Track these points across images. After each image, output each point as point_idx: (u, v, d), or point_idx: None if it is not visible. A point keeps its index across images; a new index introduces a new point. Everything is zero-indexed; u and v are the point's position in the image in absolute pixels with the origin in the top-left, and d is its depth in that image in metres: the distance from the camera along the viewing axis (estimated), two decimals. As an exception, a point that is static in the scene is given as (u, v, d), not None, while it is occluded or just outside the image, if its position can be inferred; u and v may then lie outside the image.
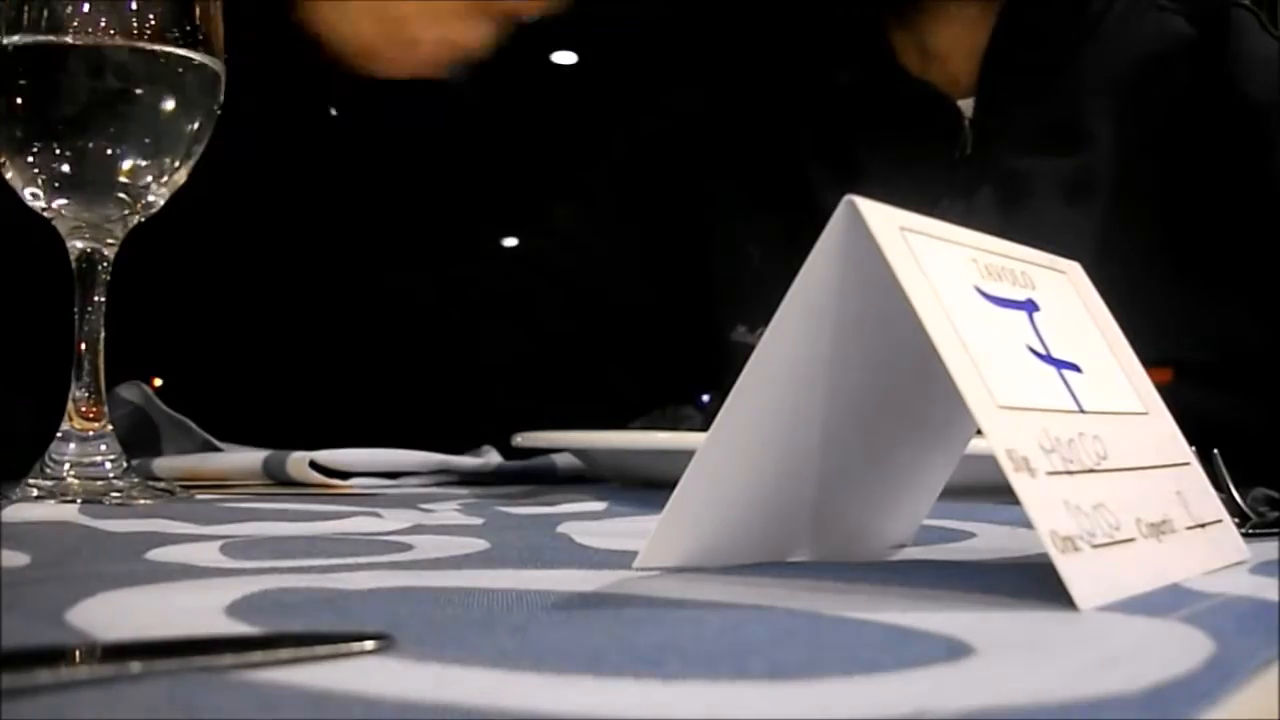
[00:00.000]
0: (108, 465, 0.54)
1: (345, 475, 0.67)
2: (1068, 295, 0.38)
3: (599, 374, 0.96)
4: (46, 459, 0.53)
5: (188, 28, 0.54)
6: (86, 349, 0.54)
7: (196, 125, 0.56)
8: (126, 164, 0.54)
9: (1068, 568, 0.27)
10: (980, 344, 0.30)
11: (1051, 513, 0.28)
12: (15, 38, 0.52)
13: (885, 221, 0.30)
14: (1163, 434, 0.37)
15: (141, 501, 0.53)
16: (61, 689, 0.19)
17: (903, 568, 0.36)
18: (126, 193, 0.55)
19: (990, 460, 0.28)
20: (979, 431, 0.29)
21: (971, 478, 0.40)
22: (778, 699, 0.20)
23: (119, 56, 0.53)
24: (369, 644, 0.22)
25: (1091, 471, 0.31)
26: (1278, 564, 0.35)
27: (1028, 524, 0.28)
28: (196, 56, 0.55)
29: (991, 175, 0.87)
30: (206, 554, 0.36)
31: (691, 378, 0.95)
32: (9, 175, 0.54)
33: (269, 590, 0.29)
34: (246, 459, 0.68)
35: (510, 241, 1.00)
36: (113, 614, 0.26)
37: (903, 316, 0.29)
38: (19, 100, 0.53)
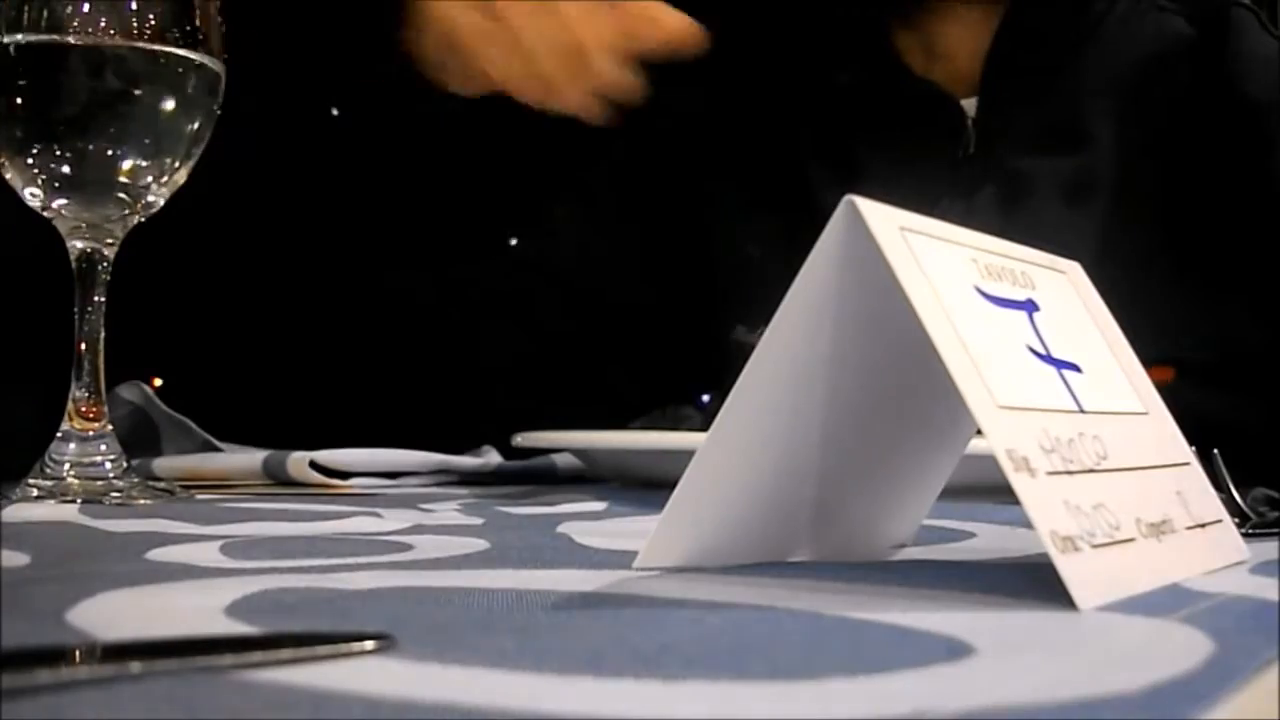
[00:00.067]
0: (108, 465, 0.54)
1: (345, 475, 0.67)
2: (1068, 295, 0.38)
3: (599, 374, 0.96)
4: (46, 459, 0.53)
5: (188, 28, 0.54)
6: (86, 349, 0.54)
7: (196, 125, 0.56)
8: (126, 164, 0.54)
9: (1068, 568, 0.27)
10: (980, 344, 0.30)
11: (1051, 513, 0.28)
12: (15, 37, 0.52)
13: (885, 221, 0.30)
14: (1163, 434, 0.37)
15: (141, 501, 0.53)
16: (61, 689, 0.19)
17: (903, 568, 0.36)
18: (126, 193, 0.55)
19: (990, 460, 0.28)
20: (979, 431, 0.29)
21: (971, 478, 0.40)
22: (778, 699, 0.20)
23: (119, 56, 0.53)
24: (369, 644, 0.22)
25: (1091, 471, 0.31)
26: (1278, 564, 0.35)
27: (1028, 524, 0.28)
28: (196, 56, 0.55)
29: (994, 175, 0.87)
30: (206, 554, 0.36)
31: (691, 378, 0.95)
32: (9, 175, 0.54)
33: (269, 590, 0.29)
34: (246, 459, 0.68)
35: (510, 241, 1.00)
36: (113, 614, 0.26)
37: (903, 316, 0.29)
38: (19, 100, 0.53)
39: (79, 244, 0.55)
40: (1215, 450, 0.45)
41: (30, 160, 0.53)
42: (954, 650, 0.23)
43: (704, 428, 0.36)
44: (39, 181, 0.54)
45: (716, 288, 0.92)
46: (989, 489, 0.42)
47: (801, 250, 0.31)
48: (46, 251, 0.56)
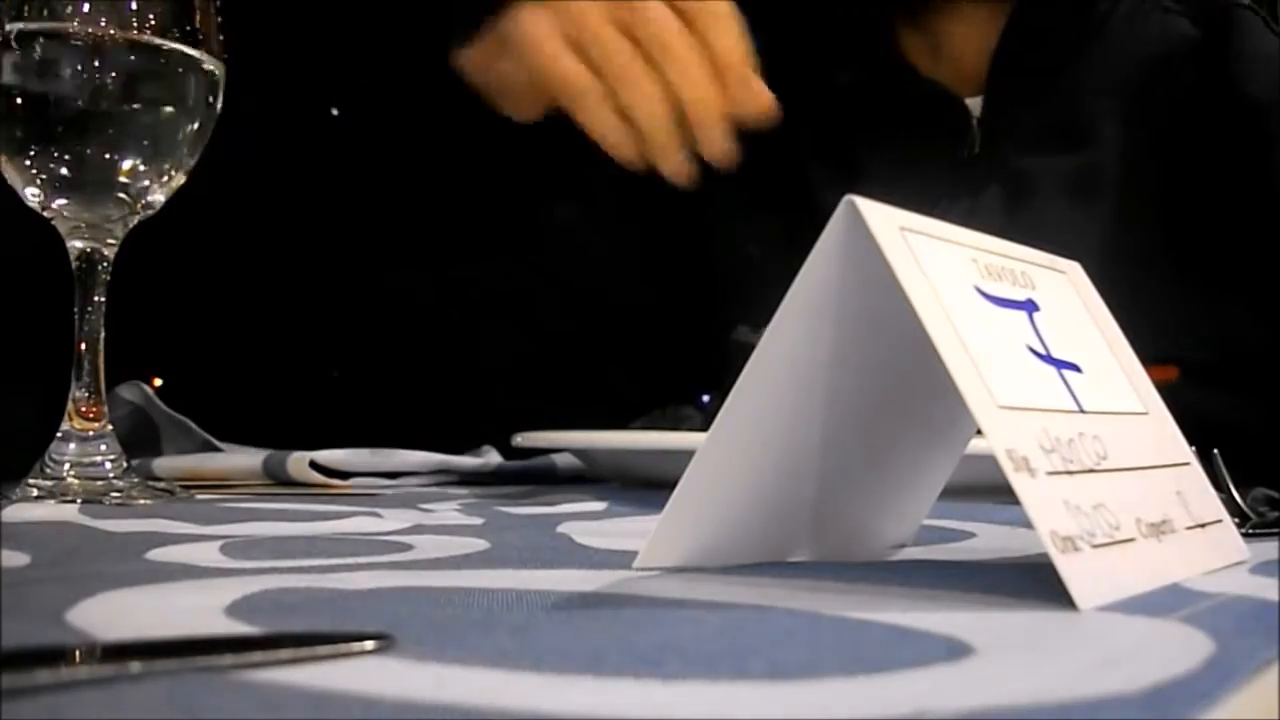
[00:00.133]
0: (108, 465, 0.54)
1: (345, 475, 0.67)
2: (1068, 295, 0.38)
3: (599, 374, 0.96)
4: (46, 459, 0.53)
5: (188, 28, 0.54)
6: (86, 349, 0.54)
7: (196, 125, 0.56)
8: (126, 164, 0.54)
9: (1068, 568, 0.27)
10: (980, 344, 0.30)
11: (1051, 513, 0.28)
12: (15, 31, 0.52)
13: (885, 221, 0.30)
14: (1163, 434, 0.37)
15: (141, 501, 0.53)
16: (61, 689, 0.19)
17: (903, 568, 0.36)
18: (126, 193, 0.55)
19: (990, 460, 0.28)
20: (979, 431, 0.29)
21: (971, 478, 0.40)
22: (778, 699, 0.20)
23: (119, 56, 0.53)
24: (369, 644, 0.22)
25: (1091, 471, 0.31)
26: (1278, 564, 0.35)
27: (1028, 524, 0.28)
28: (196, 56, 0.55)
29: (999, 174, 0.87)
30: (206, 554, 0.36)
31: (691, 378, 0.95)
32: (9, 175, 0.54)
33: (269, 590, 0.29)
34: (246, 459, 0.68)
35: (510, 242, 1.00)
36: (113, 614, 0.26)
37: (903, 316, 0.29)
38: (19, 100, 0.53)
39: (79, 244, 0.55)
40: (1215, 450, 0.45)
41: (30, 160, 0.53)
42: (954, 650, 0.23)
43: (704, 428, 0.36)
44: (39, 181, 0.54)
45: (717, 288, 0.92)
46: (989, 489, 0.42)
47: (803, 250, 0.31)
48: (46, 251, 0.56)
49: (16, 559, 0.34)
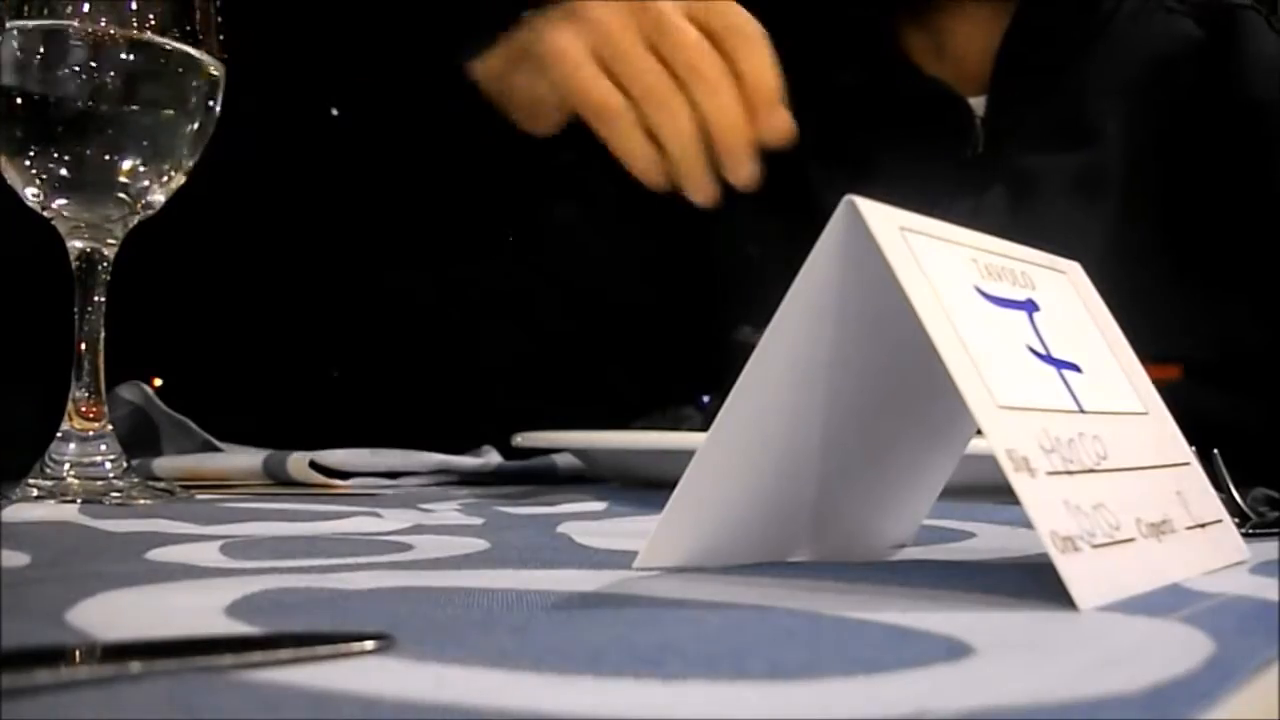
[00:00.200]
0: (108, 465, 0.54)
1: (345, 475, 0.67)
2: (1068, 295, 0.38)
3: (599, 374, 0.96)
4: (46, 459, 0.53)
5: (188, 28, 0.54)
6: (86, 349, 0.54)
7: (196, 125, 0.56)
8: (126, 164, 0.54)
9: (1068, 568, 0.27)
10: (980, 344, 0.30)
11: (1051, 513, 0.28)
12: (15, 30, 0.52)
13: (885, 221, 0.30)
14: (1163, 434, 0.37)
15: (141, 501, 0.53)
16: (61, 689, 0.19)
17: (903, 568, 0.36)
18: (126, 193, 0.55)
19: (990, 460, 0.28)
20: (979, 431, 0.29)
21: (971, 478, 0.40)
22: (778, 699, 0.20)
23: (119, 56, 0.53)
24: (369, 644, 0.22)
25: (1091, 471, 0.31)
26: (1278, 564, 0.35)
27: (1028, 524, 0.28)
28: (196, 56, 0.55)
29: (1002, 174, 0.87)
30: (206, 554, 0.36)
31: (692, 378, 0.95)
32: (9, 175, 0.54)
33: (269, 590, 0.29)
34: (246, 459, 0.68)
35: (510, 241, 1.00)
36: (113, 614, 0.26)
37: (903, 316, 0.29)
38: (19, 100, 0.53)
39: (79, 244, 0.55)
40: (1215, 450, 0.45)
41: (30, 160, 0.53)
42: (954, 650, 0.23)
43: (704, 428, 0.36)
44: (39, 181, 0.54)
45: (719, 288, 0.92)
46: (989, 489, 0.42)
47: (805, 250, 0.31)
48: (46, 251, 0.56)
49: (16, 559, 0.34)
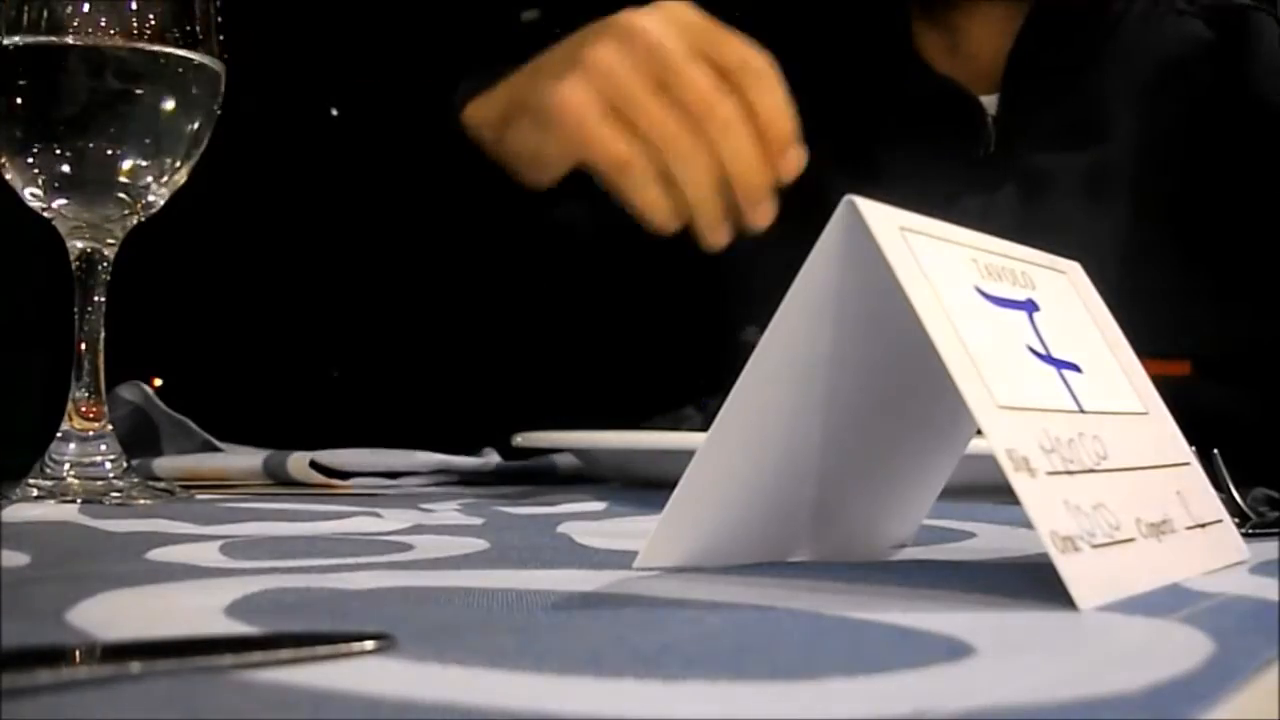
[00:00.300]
0: (108, 465, 0.54)
1: (346, 475, 0.67)
2: (1068, 295, 0.38)
3: (599, 374, 0.96)
4: (46, 459, 0.53)
5: (188, 28, 0.54)
6: (86, 349, 0.54)
7: (196, 125, 0.56)
8: (126, 164, 0.54)
9: (1068, 568, 0.27)
10: (980, 344, 0.30)
11: (1051, 513, 0.28)
12: (15, 38, 0.52)
13: (885, 221, 0.30)
14: (1163, 434, 0.37)
15: (141, 501, 0.53)
16: (61, 689, 0.19)
17: (903, 568, 0.36)
18: (126, 193, 0.55)
19: (990, 460, 0.28)
20: (979, 431, 0.29)
21: (971, 478, 0.40)
22: (778, 699, 0.20)
23: (119, 57, 0.53)
24: (369, 644, 0.22)
25: (1091, 471, 0.31)
26: (1278, 564, 0.35)
27: (1028, 524, 0.28)
28: (196, 56, 0.55)
29: (1014, 173, 0.87)
30: (206, 554, 0.36)
31: (696, 378, 0.95)
32: (9, 175, 0.54)
33: (269, 590, 0.29)
34: (246, 459, 0.68)
35: (513, 241, 1.00)
36: (113, 614, 0.26)
37: (903, 316, 0.29)
38: (19, 100, 0.53)
39: (79, 244, 0.55)
40: (1215, 450, 0.45)
41: (30, 160, 0.53)
42: (954, 650, 0.23)
43: (704, 428, 0.36)
44: (39, 181, 0.54)
45: (726, 288, 0.92)
46: (989, 489, 0.42)
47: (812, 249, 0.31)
48: (46, 251, 0.56)
49: (16, 559, 0.34)
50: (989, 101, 0.89)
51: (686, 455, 0.32)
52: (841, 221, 0.31)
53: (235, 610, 0.26)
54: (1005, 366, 0.31)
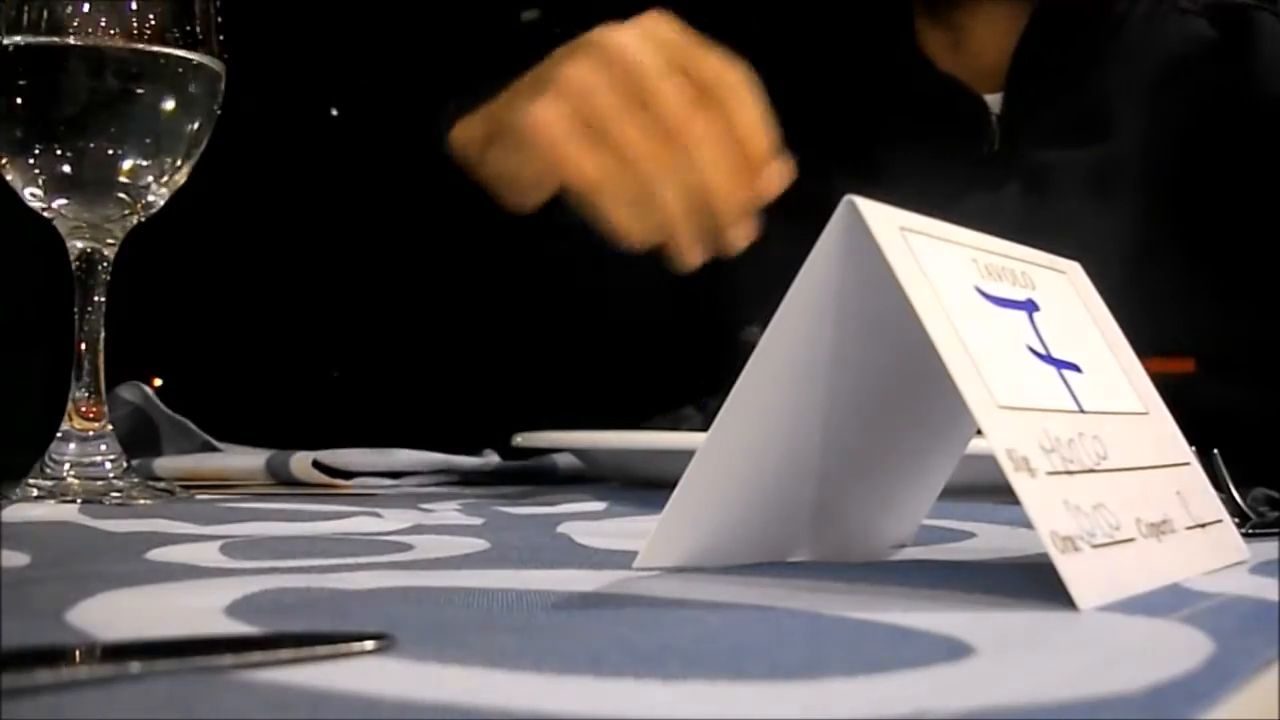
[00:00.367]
0: (108, 465, 0.54)
1: (348, 475, 0.67)
2: (1068, 295, 0.38)
3: (599, 374, 0.96)
4: (46, 459, 0.53)
5: (188, 28, 0.54)
6: (86, 349, 0.54)
7: (196, 125, 0.56)
8: (126, 164, 0.54)
9: (1068, 568, 0.27)
10: (980, 344, 0.30)
11: (1051, 513, 0.28)
12: (15, 38, 0.52)
13: (885, 221, 0.30)
14: (1163, 434, 0.37)
15: (141, 501, 0.53)
16: (61, 689, 0.19)
17: (903, 568, 0.36)
18: (126, 193, 0.55)
19: (990, 460, 0.28)
20: (979, 431, 0.29)
21: (971, 478, 0.40)
22: (778, 699, 0.20)
23: (119, 57, 0.53)
24: (369, 644, 0.22)
25: (1091, 471, 0.31)
26: (1278, 564, 0.35)
27: (1028, 524, 0.28)
28: (196, 56, 0.55)
29: (1018, 171, 0.87)
30: (206, 554, 0.36)
31: (697, 378, 0.95)
32: (9, 175, 0.54)
33: (269, 590, 0.29)
34: (247, 459, 0.68)
35: (514, 241, 1.00)
36: (113, 614, 0.26)
37: (903, 316, 0.29)
38: (19, 100, 0.53)
39: (79, 244, 0.55)
40: (1215, 450, 0.45)
41: (30, 160, 0.53)
42: (954, 650, 0.23)
43: (704, 428, 0.36)
44: (39, 181, 0.54)
45: (728, 288, 0.92)
46: (989, 489, 0.42)
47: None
48: (46, 251, 0.56)
49: (16, 559, 0.34)
50: (993, 100, 0.89)
51: (686, 455, 0.32)
52: (841, 221, 0.31)
53: (235, 610, 0.26)
54: (1005, 366, 0.31)
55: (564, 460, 0.76)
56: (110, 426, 0.55)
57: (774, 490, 0.34)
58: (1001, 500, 0.45)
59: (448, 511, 0.53)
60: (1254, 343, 0.82)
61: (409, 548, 0.39)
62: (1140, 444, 0.35)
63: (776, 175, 0.63)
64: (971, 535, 0.45)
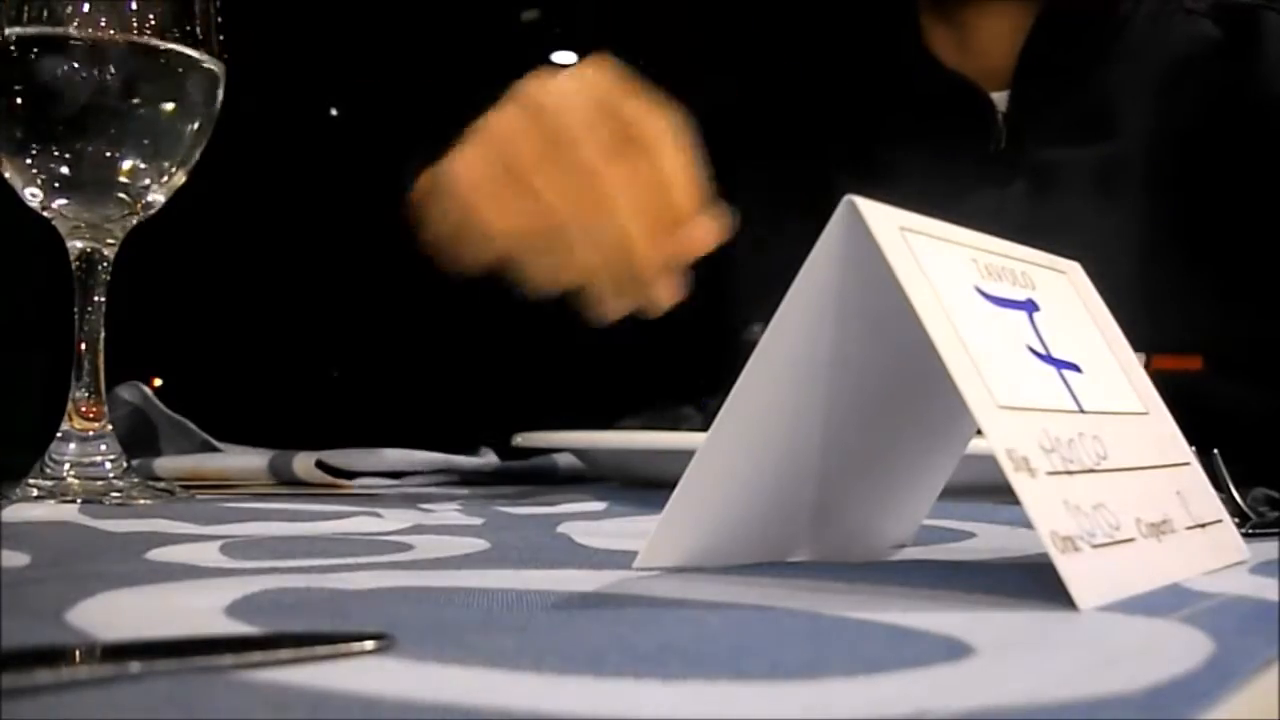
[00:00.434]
0: (108, 465, 0.54)
1: (350, 475, 0.67)
2: (1068, 295, 0.38)
3: (599, 374, 0.96)
4: (46, 459, 0.53)
5: (188, 28, 0.54)
6: (86, 349, 0.54)
7: (196, 125, 0.56)
8: (126, 164, 0.54)
9: (1068, 568, 0.27)
10: (980, 344, 0.30)
11: (1051, 513, 0.28)
12: (15, 28, 0.52)
13: (885, 221, 0.30)
14: (1163, 434, 0.37)
15: (141, 501, 0.53)
16: (61, 689, 0.19)
17: (903, 568, 0.36)
18: (126, 193, 0.55)
19: (990, 460, 0.28)
20: (979, 431, 0.29)
21: (971, 478, 0.40)
22: (778, 699, 0.20)
23: (119, 57, 0.53)
24: (369, 644, 0.22)
25: (1091, 471, 0.31)
26: (1278, 564, 0.35)
27: (1028, 524, 0.28)
28: (196, 56, 0.55)
29: (1024, 169, 0.87)
30: (206, 554, 0.36)
31: (699, 377, 0.95)
32: (9, 175, 0.54)
33: (269, 590, 0.29)
34: (248, 459, 0.68)
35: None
36: (113, 614, 0.26)
37: (903, 316, 0.29)
38: (19, 100, 0.53)
39: (79, 244, 0.55)
40: (1215, 450, 0.45)
41: (30, 160, 0.53)
42: (954, 650, 0.23)
43: (704, 428, 0.36)
44: (39, 181, 0.54)
45: (732, 286, 0.92)
46: (989, 489, 0.42)
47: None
48: (46, 251, 0.56)
49: (16, 559, 0.34)
50: (999, 98, 0.89)
51: (686, 455, 0.32)
52: (841, 221, 0.31)
53: (235, 610, 0.26)
54: (1005, 366, 0.31)
55: (564, 460, 0.76)
56: (110, 426, 0.55)
57: (774, 490, 0.34)
58: (1001, 500, 0.45)
59: (448, 511, 0.53)
60: (1258, 342, 0.82)
61: (409, 548, 0.39)
62: (1140, 444, 0.35)
63: (704, 231, 0.60)
64: (971, 535, 0.45)
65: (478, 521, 0.48)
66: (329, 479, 0.66)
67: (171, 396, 0.76)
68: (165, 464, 0.69)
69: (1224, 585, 0.31)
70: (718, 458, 0.32)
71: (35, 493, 0.52)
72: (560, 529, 0.46)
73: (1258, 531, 0.43)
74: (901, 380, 0.35)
